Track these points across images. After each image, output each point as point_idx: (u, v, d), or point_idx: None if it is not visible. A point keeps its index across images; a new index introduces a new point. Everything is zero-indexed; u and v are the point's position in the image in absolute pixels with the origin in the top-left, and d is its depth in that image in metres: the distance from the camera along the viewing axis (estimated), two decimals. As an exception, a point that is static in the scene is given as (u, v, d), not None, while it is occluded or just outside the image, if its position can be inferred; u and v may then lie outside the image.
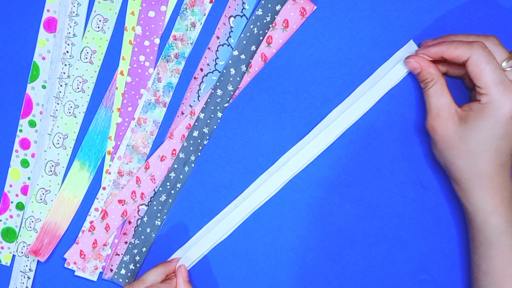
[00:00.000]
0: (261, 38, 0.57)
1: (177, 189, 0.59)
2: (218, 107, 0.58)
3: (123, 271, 0.60)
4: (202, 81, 0.58)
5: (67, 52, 0.59)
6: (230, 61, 0.57)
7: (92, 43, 0.59)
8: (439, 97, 0.50)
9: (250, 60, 0.57)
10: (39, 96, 0.60)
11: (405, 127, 0.56)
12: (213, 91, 0.58)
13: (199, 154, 0.59)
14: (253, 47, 0.57)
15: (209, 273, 0.59)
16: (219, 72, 0.58)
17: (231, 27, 0.57)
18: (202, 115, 0.58)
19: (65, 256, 0.60)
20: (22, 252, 0.61)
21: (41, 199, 0.60)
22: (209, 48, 0.58)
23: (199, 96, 0.58)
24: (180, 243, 0.59)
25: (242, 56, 0.57)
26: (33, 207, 0.61)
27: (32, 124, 0.61)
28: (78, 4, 0.59)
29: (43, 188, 0.60)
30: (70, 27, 0.59)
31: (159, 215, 0.59)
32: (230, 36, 0.58)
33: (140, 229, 0.59)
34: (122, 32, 0.59)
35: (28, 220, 0.61)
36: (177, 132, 0.58)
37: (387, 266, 0.57)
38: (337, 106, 0.56)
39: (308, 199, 0.58)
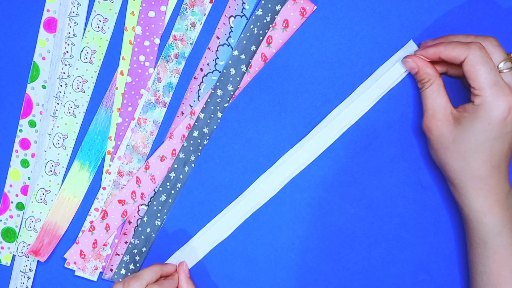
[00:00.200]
0: (261, 38, 0.57)
1: (177, 189, 0.59)
2: (218, 107, 0.58)
3: (123, 271, 0.60)
4: (202, 81, 0.58)
5: (67, 52, 0.59)
6: (230, 61, 0.57)
7: (92, 43, 0.59)
8: (436, 98, 0.50)
9: (250, 60, 0.57)
10: (39, 96, 0.60)
11: (405, 127, 0.56)
12: (213, 91, 0.58)
13: (199, 154, 0.59)
14: (253, 47, 0.57)
15: (209, 273, 0.59)
16: (219, 72, 0.58)
17: (231, 27, 0.57)
18: (202, 115, 0.58)
19: (65, 256, 0.60)
20: (22, 252, 0.61)
21: (41, 199, 0.60)
22: (209, 48, 0.58)
23: (199, 96, 0.58)
24: (180, 243, 0.59)
25: (242, 56, 0.57)
26: (33, 207, 0.61)
27: (32, 124, 0.61)
28: (78, 4, 0.59)
29: (43, 188, 0.60)
30: (70, 27, 0.59)
31: (159, 215, 0.59)
32: (230, 36, 0.58)
33: (140, 229, 0.59)
34: (122, 32, 0.59)
35: (28, 220, 0.61)
36: (177, 132, 0.58)
37: (387, 266, 0.57)
38: (337, 106, 0.56)
39: (308, 199, 0.58)
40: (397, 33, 0.56)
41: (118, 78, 0.59)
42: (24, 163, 0.61)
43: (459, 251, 0.56)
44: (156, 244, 0.60)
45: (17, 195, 0.62)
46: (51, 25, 0.60)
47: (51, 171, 0.60)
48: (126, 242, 0.60)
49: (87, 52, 0.59)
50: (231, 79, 0.57)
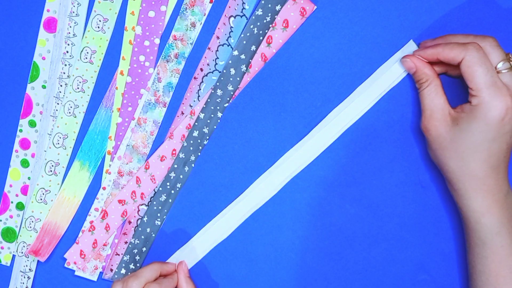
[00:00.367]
0: (261, 38, 0.57)
1: (177, 189, 0.59)
2: (218, 107, 0.58)
3: (123, 271, 0.60)
4: (202, 81, 0.58)
5: (67, 52, 0.59)
6: (230, 61, 0.57)
7: (92, 43, 0.59)
8: (433, 98, 0.51)
9: (250, 60, 0.57)
10: (39, 96, 0.60)
11: (405, 127, 0.56)
12: (213, 91, 0.58)
13: (199, 154, 0.59)
14: (253, 47, 0.57)
15: (209, 273, 0.59)
16: (219, 72, 0.58)
17: (231, 27, 0.57)
18: (202, 115, 0.58)
19: (65, 256, 0.60)
20: (22, 252, 0.61)
21: (41, 199, 0.60)
22: (209, 48, 0.58)
23: (199, 96, 0.58)
24: (180, 243, 0.59)
25: (242, 56, 0.57)
26: (33, 207, 0.61)
27: (32, 124, 0.61)
28: (78, 4, 0.59)
29: (43, 188, 0.60)
30: (70, 27, 0.59)
31: (159, 215, 0.59)
32: (230, 36, 0.58)
33: (140, 229, 0.59)
34: (122, 32, 0.59)
35: (28, 220, 0.61)
36: (177, 132, 0.58)
37: (387, 266, 0.57)
38: (337, 106, 0.56)
39: (308, 199, 0.58)
40: (397, 33, 0.56)
41: (118, 78, 0.59)
42: (24, 163, 0.61)
43: (459, 251, 0.56)
44: (156, 244, 0.60)
45: (17, 195, 0.62)
46: (51, 25, 0.60)
47: (51, 171, 0.60)
48: (126, 242, 0.60)
49: (87, 52, 0.59)
50: (231, 79, 0.57)
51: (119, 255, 0.60)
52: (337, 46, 0.57)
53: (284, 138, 0.57)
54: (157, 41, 0.59)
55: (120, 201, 0.59)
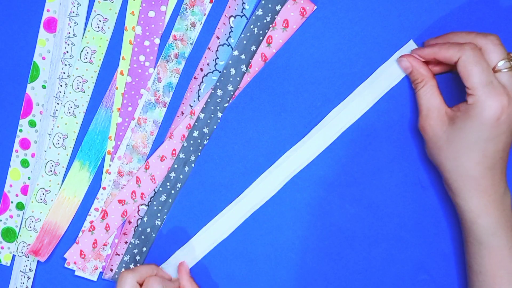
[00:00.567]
0: (261, 38, 0.57)
1: (177, 189, 0.59)
2: (218, 107, 0.58)
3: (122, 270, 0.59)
4: (202, 81, 0.58)
5: (67, 52, 0.59)
6: (230, 61, 0.57)
7: (92, 43, 0.59)
8: (429, 98, 0.51)
9: (250, 60, 0.57)
10: (39, 96, 0.60)
11: (405, 127, 0.56)
12: (213, 91, 0.58)
13: (199, 154, 0.59)
14: (253, 47, 0.57)
15: (209, 273, 0.59)
16: (219, 72, 0.58)
17: (231, 27, 0.57)
18: (202, 115, 0.58)
19: (65, 256, 0.60)
20: (22, 252, 0.61)
21: (41, 199, 0.60)
22: (209, 48, 0.58)
23: (199, 96, 0.58)
24: (180, 243, 0.59)
25: (242, 56, 0.57)
26: (33, 207, 0.61)
27: (32, 124, 0.61)
28: (78, 4, 0.59)
29: (43, 188, 0.60)
30: (70, 27, 0.59)
31: (159, 215, 0.59)
32: (230, 36, 0.58)
33: (140, 229, 0.59)
34: (122, 32, 0.59)
35: (28, 220, 0.61)
36: (177, 132, 0.58)
37: (387, 266, 0.57)
38: (337, 106, 0.56)
39: (308, 199, 0.58)
40: (397, 33, 0.56)
41: (118, 78, 0.59)
42: (24, 163, 0.61)
43: (458, 251, 0.56)
44: (156, 244, 0.60)
45: (17, 195, 0.62)
46: (51, 25, 0.60)
47: (51, 171, 0.60)
48: (126, 242, 0.60)
49: (87, 52, 0.59)
50: (231, 79, 0.57)
51: (119, 255, 0.60)
52: (337, 46, 0.57)
53: (284, 138, 0.57)
54: (157, 41, 0.59)
55: (120, 201, 0.59)
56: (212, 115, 0.58)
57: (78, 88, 0.60)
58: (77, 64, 0.59)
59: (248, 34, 0.57)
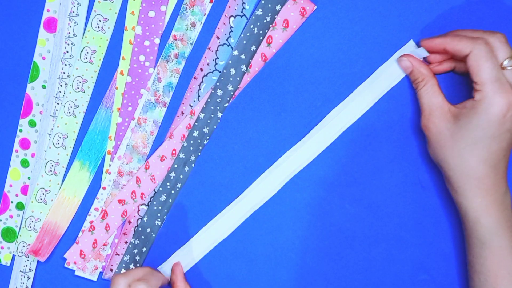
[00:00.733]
0: (261, 38, 0.57)
1: (177, 189, 0.59)
2: (218, 107, 0.58)
3: (123, 271, 0.60)
4: (202, 81, 0.58)
5: (67, 52, 0.59)
6: (230, 61, 0.57)
7: (92, 43, 0.59)
8: (431, 97, 0.51)
9: (250, 60, 0.57)
10: (39, 96, 0.60)
11: (405, 127, 0.56)
12: (213, 91, 0.58)
13: (199, 154, 0.59)
14: (253, 47, 0.57)
15: (209, 273, 0.59)
16: (219, 72, 0.58)
17: (231, 27, 0.57)
18: (202, 115, 0.58)
19: (65, 256, 0.60)
20: (22, 252, 0.61)
21: (41, 199, 0.60)
22: (209, 48, 0.58)
23: (199, 96, 0.58)
24: (180, 243, 0.59)
25: (242, 56, 0.57)
26: (33, 207, 0.61)
27: (32, 124, 0.61)
28: (78, 4, 0.59)
29: (43, 188, 0.60)
30: (70, 27, 0.59)
31: (159, 215, 0.59)
32: (230, 36, 0.58)
33: (140, 229, 0.59)
34: (122, 32, 0.59)
35: (28, 220, 0.61)
36: (177, 132, 0.58)
37: (387, 266, 0.57)
38: (337, 106, 0.56)
39: (308, 199, 0.58)
40: (397, 33, 0.56)
41: (118, 78, 0.59)
42: (24, 163, 0.61)
43: (458, 251, 0.56)
44: (156, 244, 0.60)
45: (17, 195, 0.62)
46: (51, 25, 0.60)
47: (51, 171, 0.60)
48: (126, 242, 0.60)
49: (87, 52, 0.59)
50: (231, 79, 0.57)
51: (119, 255, 0.60)
52: (337, 46, 0.57)
53: (284, 138, 0.57)
54: (157, 41, 0.59)
55: (120, 201, 0.59)
56: (212, 115, 0.58)
57: (78, 88, 0.60)
58: (77, 64, 0.59)
59: (248, 34, 0.57)
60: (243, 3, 0.57)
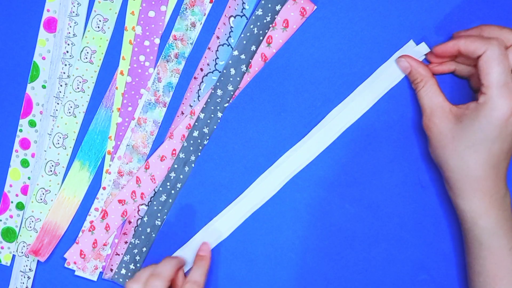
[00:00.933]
0: (261, 38, 0.57)
1: (177, 189, 0.59)
2: (218, 107, 0.58)
3: (123, 271, 0.60)
4: (202, 81, 0.58)
5: (67, 52, 0.59)
6: (230, 61, 0.57)
7: (92, 43, 0.59)
8: (431, 97, 0.51)
9: (250, 60, 0.57)
10: (39, 96, 0.60)
11: (405, 127, 0.56)
12: (213, 91, 0.58)
13: (199, 154, 0.59)
14: (253, 47, 0.57)
15: (209, 273, 0.59)
16: (219, 72, 0.58)
17: (231, 27, 0.57)
18: (202, 115, 0.58)
19: (65, 256, 0.60)
20: (22, 252, 0.61)
21: (41, 199, 0.60)
22: (209, 48, 0.58)
23: (199, 96, 0.58)
24: (180, 243, 0.59)
25: (242, 56, 0.57)
26: (33, 207, 0.61)
27: (32, 124, 0.61)
28: (78, 4, 0.59)
29: (43, 188, 0.60)
30: (70, 27, 0.59)
31: (159, 215, 0.59)
32: (230, 36, 0.58)
33: (140, 229, 0.59)
34: (122, 32, 0.59)
35: (28, 220, 0.61)
36: (177, 132, 0.58)
37: (387, 266, 0.57)
38: (337, 106, 0.56)
39: (308, 199, 0.58)
40: (397, 33, 0.56)
41: (118, 78, 0.59)
42: (24, 163, 0.61)
43: (458, 251, 0.56)
44: (156, 244, 0.60)
45: (17, 195, 0.62)
46: (51, 25, 0.60)
47: (51, 171, 0.60)
48: (126, 242, 0.60)
49: (87, 52, 0.59)
50: (231, 79, 0.57)
51: (119, 255, 0.60)
52: (337, 46, 0.57)
53: (284, 138, 0.57)
54: (157, 41, 0.59)
55: (120, 201, 0.59)
56: (212, 115, 0.58)
57: (78, 88, 0.60)
58: (77, 64, 0.59)
59: (248, 34, 0.57)
60: (243, 3, 0.57)
